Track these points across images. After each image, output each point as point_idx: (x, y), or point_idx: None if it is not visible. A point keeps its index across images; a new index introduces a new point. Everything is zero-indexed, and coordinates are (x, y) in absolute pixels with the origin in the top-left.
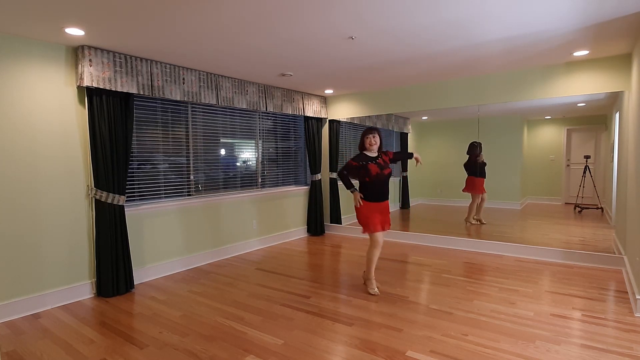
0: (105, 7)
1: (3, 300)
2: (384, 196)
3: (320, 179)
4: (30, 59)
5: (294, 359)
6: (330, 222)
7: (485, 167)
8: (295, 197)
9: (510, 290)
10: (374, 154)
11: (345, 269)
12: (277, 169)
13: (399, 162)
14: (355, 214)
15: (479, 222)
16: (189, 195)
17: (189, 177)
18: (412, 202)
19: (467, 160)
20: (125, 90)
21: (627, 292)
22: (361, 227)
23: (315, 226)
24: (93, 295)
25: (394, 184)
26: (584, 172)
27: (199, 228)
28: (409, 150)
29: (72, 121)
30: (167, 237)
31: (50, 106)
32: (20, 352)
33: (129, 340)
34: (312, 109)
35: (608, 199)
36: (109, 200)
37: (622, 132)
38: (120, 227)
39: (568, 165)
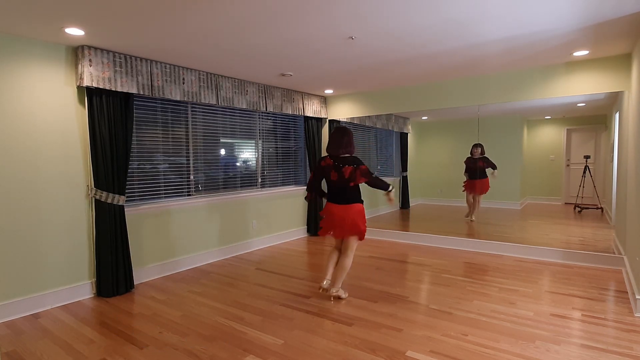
0: (105, 7)
1: (3, 300)
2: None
3: None
4: (30, 59)
5: (294, 359)
6: None
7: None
8: (295, 197)
9: (510, 290)
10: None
11: None
12: (277, 169)
13: (399, 162)
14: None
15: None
16: (189, 195)
17: (189, 177)
18: (412, 202)
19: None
20: (125, 90)
21: (627, 292)
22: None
23: (315, 226)
24: (93, 295)
25: (393, 183)
26: (584, 172)
27: (198, 228)
28: (409, 152)
29: (72, 121)
30: (167, 237)
31: (50, 106)
32: (20, 352)
33: (129, 340)
34: (312, 109)
35: (608, 199)
36: (109, 200)
37: (622, 132)
38: (120, 227)
39: (568, 165)
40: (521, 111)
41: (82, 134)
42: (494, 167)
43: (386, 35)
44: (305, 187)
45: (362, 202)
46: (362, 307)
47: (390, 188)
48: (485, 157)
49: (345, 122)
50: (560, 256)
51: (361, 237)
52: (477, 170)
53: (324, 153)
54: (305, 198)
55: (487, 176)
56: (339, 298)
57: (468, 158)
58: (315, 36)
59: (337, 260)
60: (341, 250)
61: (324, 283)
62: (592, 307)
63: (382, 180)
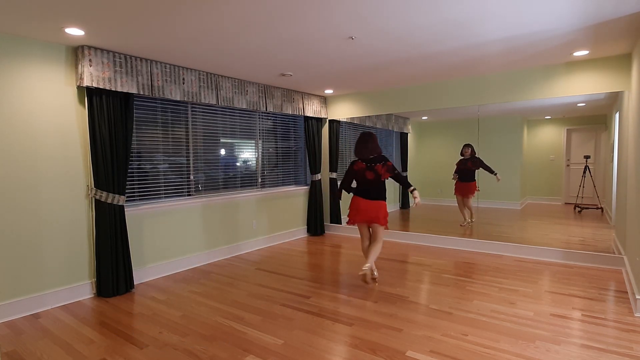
0: (105, 7)
1: (3, 300)
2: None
3: (320, 179)
4: (30, 59)
5: (294, 359)
6: (330, 222)
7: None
8: (295, 197)
9: (510, 290)
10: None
11: (345, 269)
12: (277, 169)
13: (399, 162)
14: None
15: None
16: (189, 195)
17: (189, 177)
18: (412, 202)
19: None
20: (125, 90)
21: (627, 292)
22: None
23: (315, 226)
24: (93, 295)
25: (393, 184)
26: (584, 172)
27: (198, 228)
28: (409, 152)
29: (72, 121)
30: (167, 237)
31: (50, 106)
32: (20, 352)
33: (129, 340)
34: (312, 109)
35: (608, 199)
36: (109, 200)
37: (622, 132)
38: (120, 227)
39: (568, 165)
40: (521, 111)
41: (82, 134)
42: (490, 171)
43: (386, 35)
44: (338, 187)
45: (386, 198)
46: (362, 307)
47: (413, 188)
48: (474, 157)
49: (345, 122)
50: (560, 256)
51: (386, 226)
52: (466, 171)
53: (324, 153)
54: (336, 196)
55: (475, 179)
56: (372, 275)
57: (460, 160)
58: (315, 36)
59: (370, 245)
60: (371, 238)
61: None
62: (592, 307)
63: (406, 179)
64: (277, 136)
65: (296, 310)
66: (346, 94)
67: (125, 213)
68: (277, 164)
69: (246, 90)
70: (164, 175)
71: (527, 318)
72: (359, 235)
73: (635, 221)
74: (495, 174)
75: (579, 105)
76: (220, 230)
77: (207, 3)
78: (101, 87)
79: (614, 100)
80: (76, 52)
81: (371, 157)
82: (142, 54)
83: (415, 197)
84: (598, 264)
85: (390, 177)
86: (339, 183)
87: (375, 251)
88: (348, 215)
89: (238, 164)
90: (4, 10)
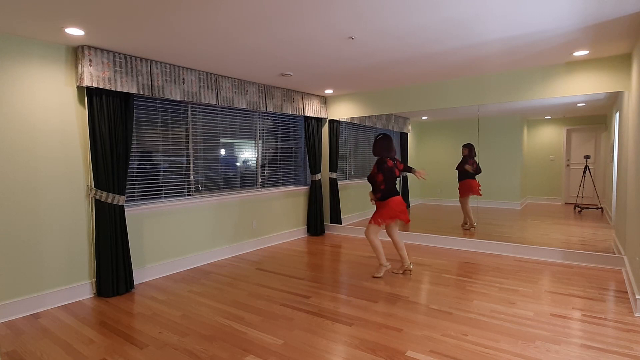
0: (105, 7)
1: (3, 300)
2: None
3: (320, 179)
4: (30, 59)
5: (294, 359)
6: (330, 222)
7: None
8: (295, 197)
9: (510, 290)
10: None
11: (345, 269)
12: (277, 169)
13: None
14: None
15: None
16: (189, 195)
17: (189, 177)
18: (412, 202)
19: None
20: (125, 90)
21: (627, 292)
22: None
23: (315, 226)
24: (93, 295)
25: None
26: (584, 172)
27: (198, 228)
28: (409, 152)
29: (72, 121)
30: (167, 237)
31: (50, 106)
32: (20, 352)
33: (129, 340)
34: (312, 109)
35: (608, 199)
36: (109, 200)
37: (622, 132)
38: (120, 227)
39: (568, 165)
40: (521, 111)
41: (82, 134)
42: (464, 164)
43: (386, 35)
44: (380, 187)
45: None
46: (362, 307)
47: (414, 169)
48: (465, 158)
49: (345, 122)
50: (560, 256)
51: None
52: (460, 172)
53: (324, 153)
54: (374, 198)
55: (466, 178)
56: (409, 270)
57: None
58: (315, 36)
59: (396, 244)
60: (391, 233)
61: (389, 265)
62: (592, 307)
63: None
64: (277, 136)
65: (296, 310)
66: (346, 94)
67: (125, 213)
68: (277, 164)
69: (246, 90)
70: (164, 175)
71: (527, 318)
72: (364, 236)
73: (635, 221)
74: (465, 166)
75: (579, 105)
76: (220, 230)
77: (207, 3)
78: (101, 87)
79: (614, 100)
80: (76, 52)
81: (393, 156)
82: (142, 53)
83: (419, 172)
84: (598, 264)
85: (403, 168)
86: (339, 183)
87: (404, 247)
88: (386, 216)
89: (238, 163)
90: (4, 10)
